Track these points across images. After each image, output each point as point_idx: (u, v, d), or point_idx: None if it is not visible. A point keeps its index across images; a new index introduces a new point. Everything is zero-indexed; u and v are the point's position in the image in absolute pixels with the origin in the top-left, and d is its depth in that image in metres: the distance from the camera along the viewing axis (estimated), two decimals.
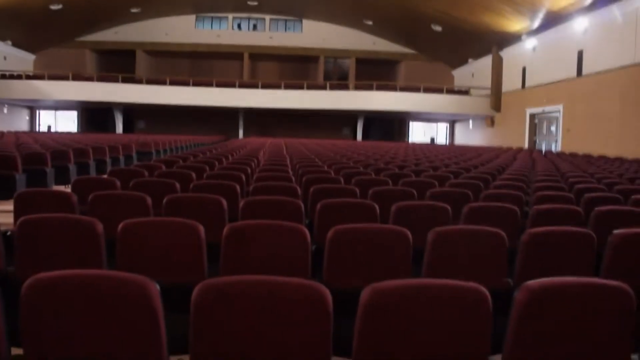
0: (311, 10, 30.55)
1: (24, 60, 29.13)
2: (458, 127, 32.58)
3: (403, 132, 34.09)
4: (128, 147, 13.17)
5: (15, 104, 28.47)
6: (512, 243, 3.20)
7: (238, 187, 5.01)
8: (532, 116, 22.59)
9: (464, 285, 1.79)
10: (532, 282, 1.82)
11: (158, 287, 1.74)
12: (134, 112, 31.65)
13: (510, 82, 24.46)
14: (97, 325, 1.72)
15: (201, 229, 2.86)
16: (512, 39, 22.76)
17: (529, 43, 21.80)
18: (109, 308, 1.71)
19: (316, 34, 32.31)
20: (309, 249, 2.85)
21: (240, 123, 30.65)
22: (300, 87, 28.56)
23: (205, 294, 1.74)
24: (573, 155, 15.53)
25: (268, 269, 2.71)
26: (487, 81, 26.16)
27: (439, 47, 28.96)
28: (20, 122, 29.57)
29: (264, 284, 1.76)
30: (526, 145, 22.32)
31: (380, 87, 27.94)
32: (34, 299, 1.68)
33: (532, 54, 21.98)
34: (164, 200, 3.92)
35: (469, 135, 30.16)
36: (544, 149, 20.95)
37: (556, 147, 20.31)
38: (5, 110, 27.84)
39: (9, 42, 26.70)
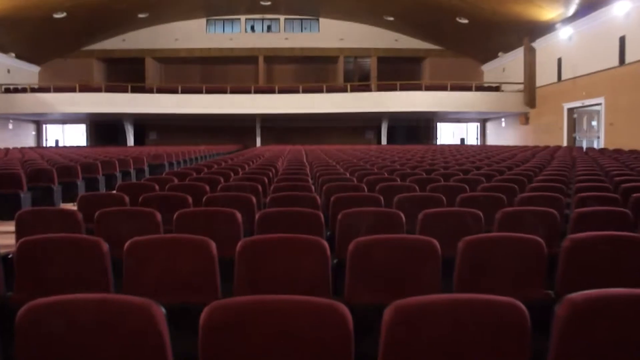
0: (328, 8, 30.60)
1: (29, 72, 29.67)
2: (489, 127, 32.27)
3: (430, 134, 33.88)
4: (139, 160, 13.30)
5: (20, 118, 28.99)
6: (552, 251, 3.12)
7: (254, 199, 5.00)
8: (571, 111, 22.26)
9: (498, 300, 1.73)
10: (575, 295, 1.75)
11: (164, 310, 1.71)
12: (145, 123, 32.02)
13: (545, 75, 24.15)
14: (98, 352, 1.69)
15: (213, 245, 2.83)
16: (546, 28, 22.47)
17: (565, 32, 21.51)
18: (110, 334, 1.69)
19: (334, 33, 32.36)
20: (329, 264, 2.81)
21: (258, 131, 30.75)
22: (320, 90, 28.60)
23: (214, 316, 1.70)
24: (618, 152, 15.23)
25: (285, 286, 2.68)
26: (520, 75, 25.87)
27: (466, 41, 28.76)
28: (26, 138, 30.09)
29: (277, 304, 1.72)
30: (565, 143, 21.99)
31: (404, 87, 27.82)
32: (29, 327, 1.66)
33: (568, 43, 21.67)
34: (174, 216, 3.92)
35: (502, 135, 29.85)
36: (584, 146, 20.60)
37: (598, 143, 19.96)
38: (10, 126, 28.33)
39: (12, 55, 27.23)
